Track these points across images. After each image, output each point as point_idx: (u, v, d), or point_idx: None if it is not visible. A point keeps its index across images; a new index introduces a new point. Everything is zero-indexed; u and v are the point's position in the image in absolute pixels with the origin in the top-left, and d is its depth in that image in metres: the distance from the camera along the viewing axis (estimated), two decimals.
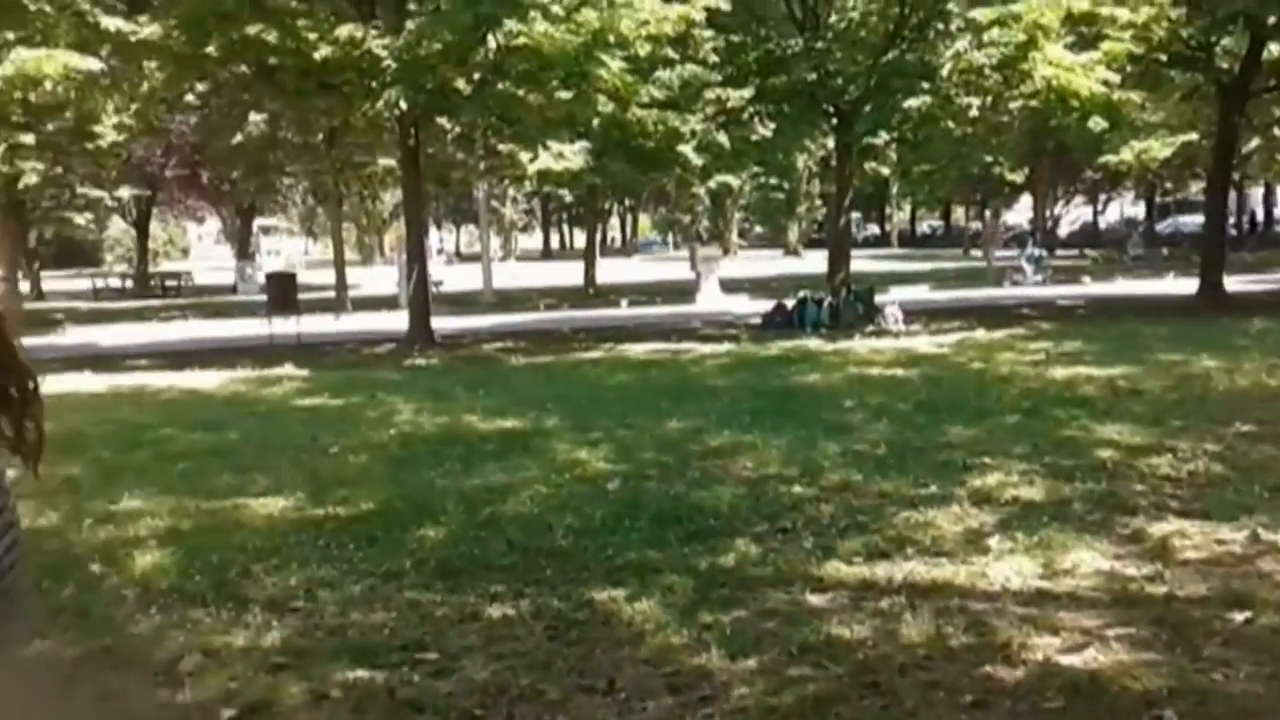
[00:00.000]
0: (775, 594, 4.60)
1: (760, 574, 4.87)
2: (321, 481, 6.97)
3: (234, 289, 35.26)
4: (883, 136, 21.45)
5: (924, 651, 3.93)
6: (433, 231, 47.60)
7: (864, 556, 5.06)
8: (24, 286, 33.72)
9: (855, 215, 44.06)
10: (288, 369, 13.63)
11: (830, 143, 25.42)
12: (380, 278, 35.45)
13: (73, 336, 20.40)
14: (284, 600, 4.72)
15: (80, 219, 40.61)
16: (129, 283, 37.74)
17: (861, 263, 28.78)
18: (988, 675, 3.75)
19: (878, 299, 18.76)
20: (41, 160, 26.54)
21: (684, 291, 25.93)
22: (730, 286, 25.98)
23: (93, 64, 15.07)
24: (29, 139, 21.89)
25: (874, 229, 68.56)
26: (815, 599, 4.55)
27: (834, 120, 21.12)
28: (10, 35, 15.00)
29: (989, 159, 27.53)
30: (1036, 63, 16.73)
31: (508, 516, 6.01)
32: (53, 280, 42.13)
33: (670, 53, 17.26)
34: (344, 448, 8.14)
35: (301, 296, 18.76)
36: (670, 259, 53.62)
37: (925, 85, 18.26)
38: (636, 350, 15.05)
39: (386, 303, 25.54)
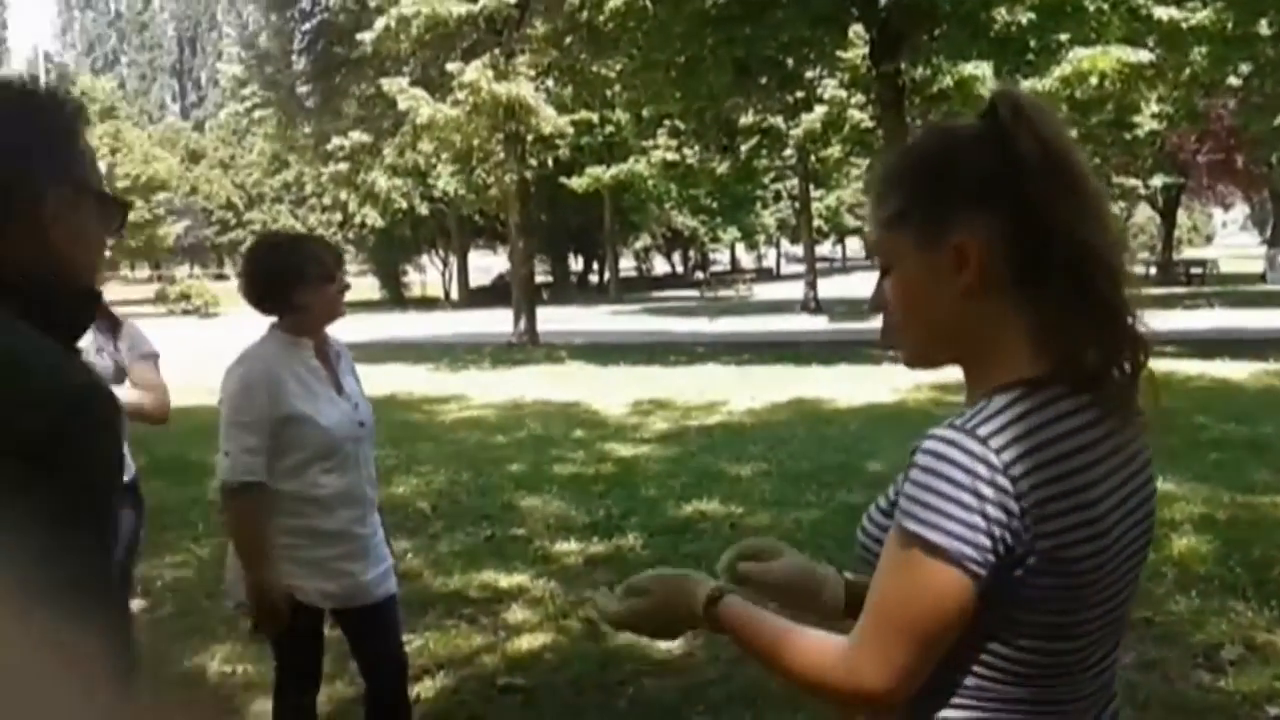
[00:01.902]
0: None
1: None
2: None
3: (1262, 277, 33.18)
4: None
5: None
6: None
7: None
8: None
9: None
10: None
11: None
12: None
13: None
14: None
15: (1114, 207, 41.97)
16: (1152, 270, 37.77)
17: None
18: None
19: None
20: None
21: None
22: None
23: (1142, 55, 15.39)
24: (1072, 133, 23.26)
25: None
26: None
27: None
28: (1063, 37, 16.05)
29: None
30: None
31: None
32: None
33: None
34: None
35: None
36: None
37: None
38: None
39: None
